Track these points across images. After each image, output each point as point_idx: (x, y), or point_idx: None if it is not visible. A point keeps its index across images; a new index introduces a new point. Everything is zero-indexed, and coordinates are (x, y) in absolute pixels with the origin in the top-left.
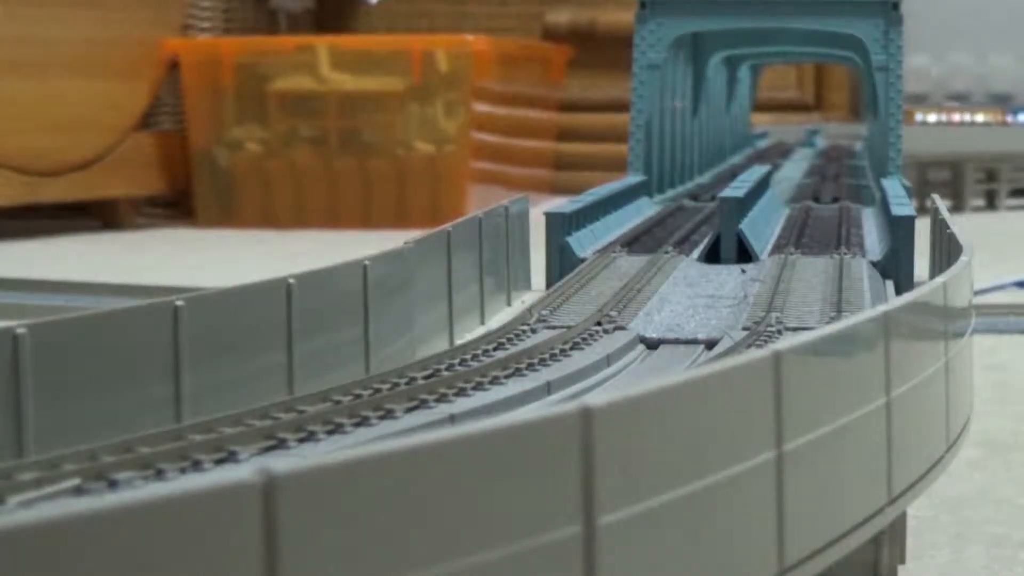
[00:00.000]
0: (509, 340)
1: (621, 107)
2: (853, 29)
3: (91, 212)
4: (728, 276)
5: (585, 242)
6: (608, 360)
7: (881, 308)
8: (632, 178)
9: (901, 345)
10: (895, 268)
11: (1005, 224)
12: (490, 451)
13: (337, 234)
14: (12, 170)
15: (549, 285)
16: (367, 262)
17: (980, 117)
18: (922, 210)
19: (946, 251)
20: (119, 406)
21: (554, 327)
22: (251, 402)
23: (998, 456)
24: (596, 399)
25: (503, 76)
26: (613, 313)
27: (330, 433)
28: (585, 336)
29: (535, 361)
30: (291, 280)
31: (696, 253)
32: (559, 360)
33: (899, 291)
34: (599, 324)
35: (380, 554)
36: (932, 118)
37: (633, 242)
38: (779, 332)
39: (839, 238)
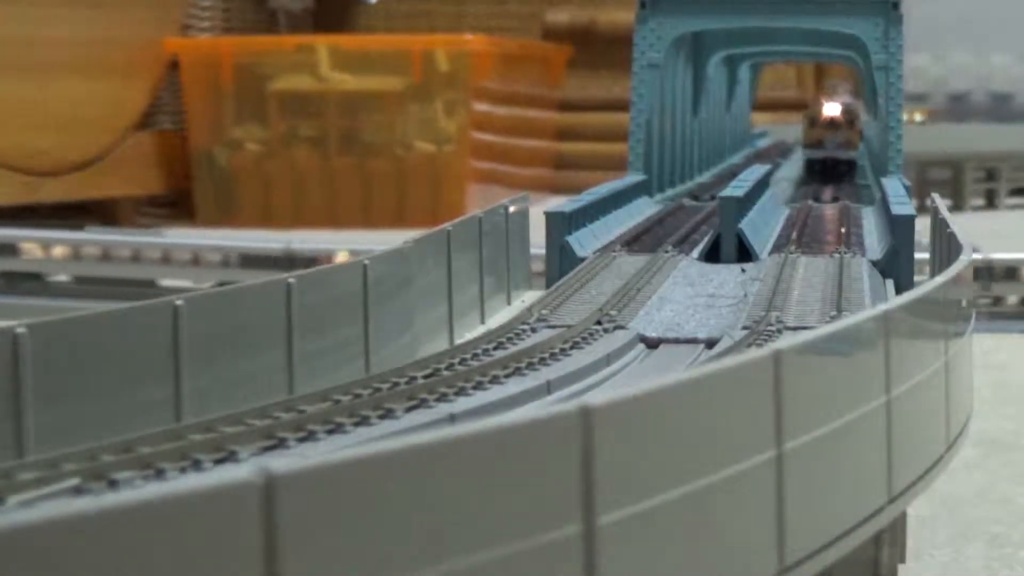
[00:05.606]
0: (509, 339)
1: (621, 107)
2: (853, 29)
3: (91, 212)
4: (728, 275)
5: (585, 241)
6: (608, 359)
7: (881, 307)
8: (632, 177)
9: (901, 345)
10: (895, 267)
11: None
12: (490, 451)
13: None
14: (12, 170)
15: (549, 284)
16: (367, 262)
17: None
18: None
19: (946, 251)
20: (119, 406)
21: (554, 326)
22: (251, 402)
23: (998, 455)
24: (596, 399)
25: (503, 76)
26: (613, 312)
27: (330, 433)
28: (585, 335)
29: (535, 360)
30: (291, 280)
31: (696, 252)
32: (559, 359)
33: (899, 290)
34: (599, 323)
35: (380, 554)
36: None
37: (633, 241)
38: (779, 331)
39: (839, 237)
